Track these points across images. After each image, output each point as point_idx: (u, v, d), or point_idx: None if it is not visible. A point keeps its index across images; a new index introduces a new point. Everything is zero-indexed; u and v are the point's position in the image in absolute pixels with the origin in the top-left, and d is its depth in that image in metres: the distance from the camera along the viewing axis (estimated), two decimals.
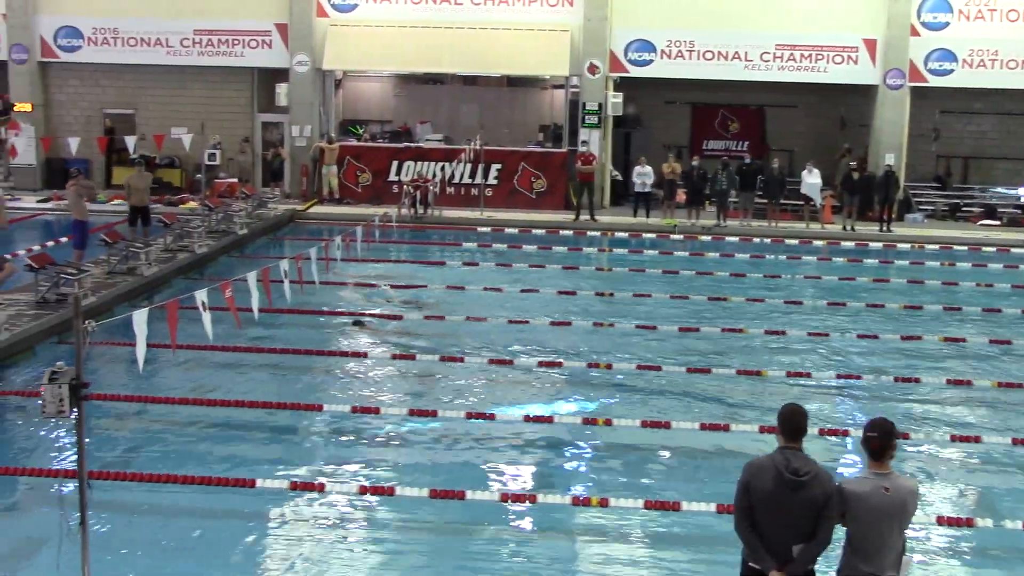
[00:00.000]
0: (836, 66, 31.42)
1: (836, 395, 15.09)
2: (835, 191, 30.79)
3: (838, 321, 19.47)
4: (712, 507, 10.53)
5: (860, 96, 32.68)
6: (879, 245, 28.60)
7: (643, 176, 30.21)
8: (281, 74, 32.40)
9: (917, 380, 15.62)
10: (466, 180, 31.64)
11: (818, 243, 28.26)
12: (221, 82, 33.19)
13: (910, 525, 7.31)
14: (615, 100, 31.64)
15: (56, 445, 12.73)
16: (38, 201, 30.47)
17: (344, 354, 16.54)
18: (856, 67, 31.45)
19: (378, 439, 13.16)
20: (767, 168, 31.46)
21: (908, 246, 28.36)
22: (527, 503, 11.07)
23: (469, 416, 13.55)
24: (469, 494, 10.94)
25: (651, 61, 31.75)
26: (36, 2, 32.71)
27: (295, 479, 11.48)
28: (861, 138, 33.15)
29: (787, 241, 28.06)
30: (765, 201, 30.49)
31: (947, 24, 31.25)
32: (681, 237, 28.25)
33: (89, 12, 32.58)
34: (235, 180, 31.65)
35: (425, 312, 19.25)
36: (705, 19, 31.39)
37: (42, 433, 13.04)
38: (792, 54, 31.28)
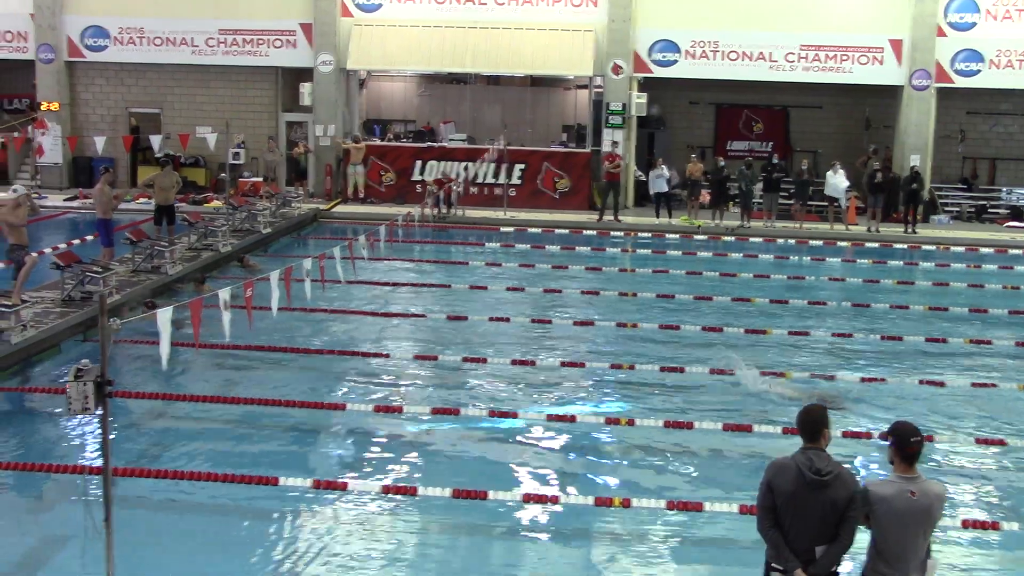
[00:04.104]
0: (861, 67, 31.27)
1: (859, 397, 15.00)
2: (860, 192, 30.65)
3: (862, 323, 19.38)
4: (735, 508, 10.49)
5: (885, 97, 32.53)
6: (904, 247, 28.44)
7: (660, 178, 30.13)
8: (305, 73, 32.49)
9: (942, 383, 15.53)
10: (489, 180, 31.66)
11: (842, 244, 28.16)
12: (246, 81, 33.33)
13: (936, 529, 7.26)
14: (639, 100, 31.61)
15: (81, 442, 12.80)
16: (64, 199, 30.64)
17: (367, 354, 16.55)
18: (881, 68, 31.30)
19: (401, 438, 13.17)
20: (791, 169, 31.32)
21: (933, 248, 28.21)
22: (549, 503, 11.06)
23: (492, 415, 13.55)
24: (491, 494, 10.94)
25: (675, 61, 31.69)
26: (63, 2, 32.89)
27: (318, 477, 11.50)
28: (886, 139, 33.00)
29: (811, 242, 27.96)
30: (789, 202, 30.39)
31: (974, 24, 31.06)
32: (705, 238, 28.17)
33: (115, 12, 32.75)
34: (259, 179, 31.77)
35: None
36: (730, 19, 31.31)
37: (67, 430, 13.12)
38: (817, 54, 31.15)
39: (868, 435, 12.92)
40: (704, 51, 31.54)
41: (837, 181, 29.71)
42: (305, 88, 32.28)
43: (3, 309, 15.40)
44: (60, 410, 13.19)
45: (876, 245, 28.30)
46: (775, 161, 31.75)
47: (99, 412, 7.59)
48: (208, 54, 32.69)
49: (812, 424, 7.06)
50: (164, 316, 9.43)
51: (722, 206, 30.06)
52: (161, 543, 10.03)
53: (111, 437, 8.01)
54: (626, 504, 10.90)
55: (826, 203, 30.27)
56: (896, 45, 31.14)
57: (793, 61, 31.27)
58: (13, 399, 14.72)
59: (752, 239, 28.05)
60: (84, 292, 17.84)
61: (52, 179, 32.99)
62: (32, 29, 33.03)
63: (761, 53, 31.29)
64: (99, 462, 8.48)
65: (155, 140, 27.34)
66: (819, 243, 27.94)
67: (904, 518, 6.84)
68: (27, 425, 13.99)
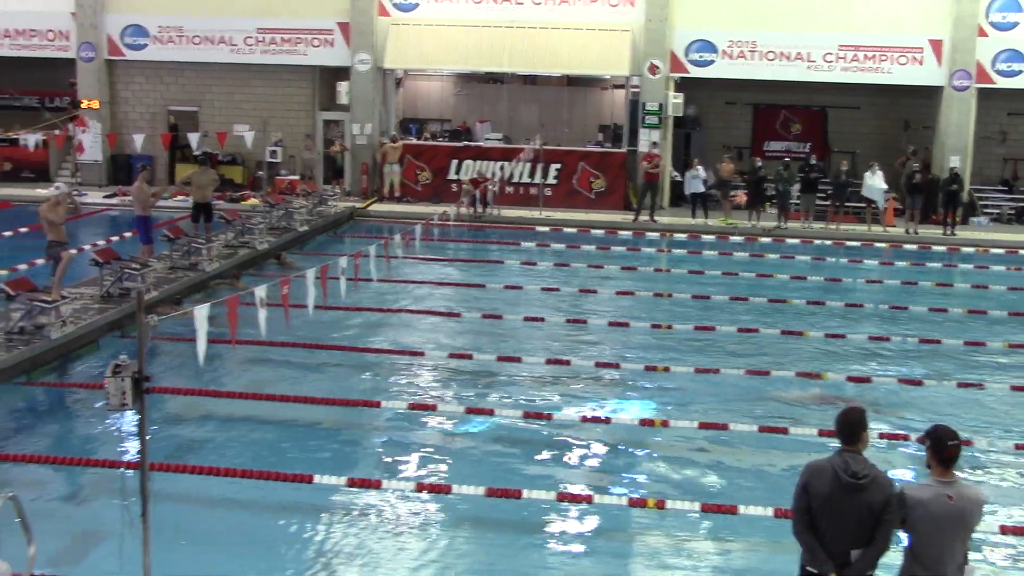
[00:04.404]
0: (901, 67, 31.02)
1: (897, 400, 14.89)
2: (898, 193, 30.42)
3: (900, 325, 19.24)
4: (770, 511, 10.43)
5: (925, 97, 32.24)
6: (942, 249, 28.18)
7: (696, 178, 30.03)
8: (342, 72, 32.60)
9: (980, 386, 15.40)
10: (525, 179, 31.65)
11: (880, 246, 27.96)
12: (283, 80, 33.47)
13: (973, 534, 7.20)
14: (675, 101, 31.50)
15: (119, 437, 12.90)
16: (103, 196, 30.91)
17: (402, 352, 16.59)
18: (921, 68, 31.03)
19: (435, 437, 13.21)
20: (829, 170, 31.12)
21: (972, 250, 27.92)
22: (583, 504, 11.05)
23: (526, 416, 13.55)
24: (525, 493, 10.94)
25: (712, 61, 31.56)
26: (104, 1, 33.15)
27: (352, 475, 11.55)
28: (925, 140, 32.73)
29: (848, 244, 27.78)
30: (827, 203, 30.20)
31: (1016, 24, 30.74)
32: (741, 239, 28.06)
33: (155, 10, 32.99)
34: (296, 177, 31.92)
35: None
36: (767, 19, 31.15)
37: (105, 425, 13.23)
38: (856, 55, 30.93)
39: (905, 438, 12.83)
40: (742, 51, 31.39)
41: (875, 182, 29.49)
42: (342, 87, 32.39)
43: (43, 305, 15.56)
44: (98, 405, 13.29)
45: (914, 247, 28.08)
46: (812, 162, 31.56)
47: (137, 408, 7.64)
48: (246, 53, 32.85)
49: (851, 426, 7.01)
50: (201, 313, 9.49)
51: (759, 207, 29.91)
52: (196, 539, 10.10)
53: (148, 433, 8.06)
54: (660, 506, 10.88)
55: (864, 204, 30.05)
56: (936, 45, 30.87)
57: (831, 61, 31.06)
58: (52, 394, 14.88)
59: (789, 240, 27.90)
60: (122, 288, 18.00)
61: (92, 176, 33.27)
62: (74, 28, 33.32)
63: (799, 53, 31.10)
64: (136, 457, 8.54)
65: (193, 138, 27.54)
66: (857, 244, 27.77)
67: (941, 523, 6.79)
68: (66, 420, 14.15)
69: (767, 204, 30.39)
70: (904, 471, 11.95)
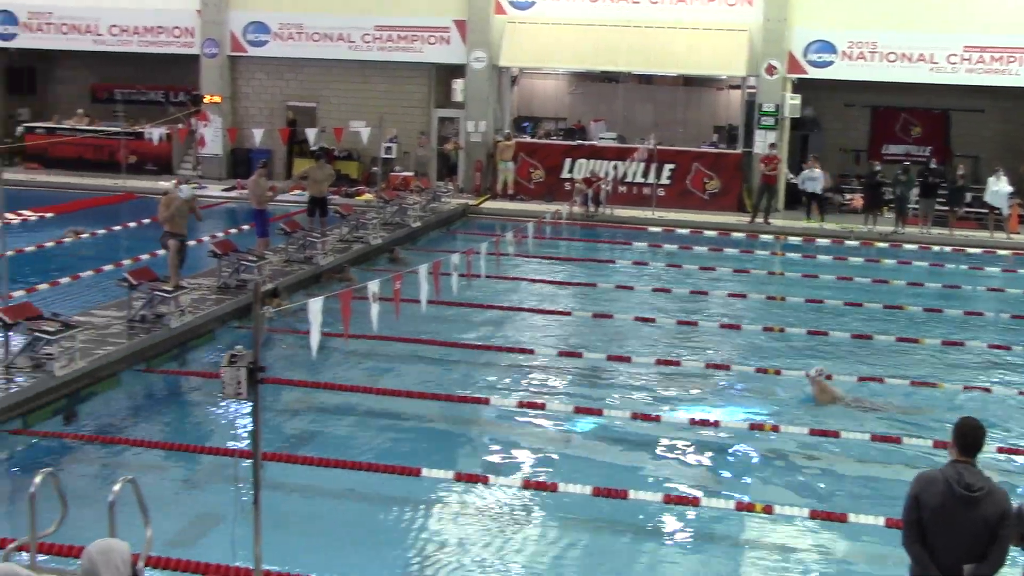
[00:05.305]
0: None
1: (1017, 412, 14.49)
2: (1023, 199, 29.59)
3: (1021, 335, 18.70)
4: (881, 521, 10.23)
5: None
6: None
7: (811, 180, 29.59)
8: (458, 70, 32.81)
9: None
10: (638, 179, 31.50)
11: (1003, 253, 27.19)
12: (400, 77, 33.81)
13: None
14: (792, 102, 31.03)
15: (233, 426, 13.18)
16: (223, 190, 31.57)
17: (512, 349, 16.64)
18: None
19: (543, 435, 13.24)
20: (950, 174, 30.41)
21: None
22: (690, 506, 10.98)
23: (634, 416, 13.51)
24: (632, 494, 10.91)
25: (831, 62, 31.01)
26: None
27: (459, 470, 11.63)
28: None
29: (969, 251, 27.09)
30: (946, 208, 29.49)
31: None
32: (857, 243, 27.57)
33: (276, 8, 33.61)
34: (410, 174, 32.23)
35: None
36: (889, 19, 30.48)
37: (220, 413, 13.53)
38: (981, 56, 30.09)
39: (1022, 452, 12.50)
40: (862, 52, 30.79)
41: (999, 187, 28.70)
42: (458, 84, 32.60)
43: (163, 295, 15.95)
44: (214, 394, 13.59)
45: None
46: (933, 166, 30.83)
47: (251, 397, 7.78)
48: (364, 50, 33.25)
49: (966, 436, 6.79)
50: (315, 306, 9.63)
51: (876, 211, 29.32)
52: (305, 528, 10.28)
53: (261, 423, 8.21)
54: (768, 511, 10.75)
55: (987, 210, 29.27)
56: None
57: (955, 63, 30.27)
58: (171, 381, 15.26)
59: (906, 245, 27.33)
60: (239, 280, 18.38)
61: (212, 170, 34.02)
62: (198, 25, 34.12)
63: (922, 54, 30.38)
64: (249, 446, 8.72)
65: (311, 133, 27.96)
66: (977, 251, 27.04)
67: None
68: (183, 407, 14.51)
69: (884, 208, 29.77)
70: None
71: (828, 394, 14.40)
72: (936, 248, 27.23)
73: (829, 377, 14.73)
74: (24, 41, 35.59)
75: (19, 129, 35.36)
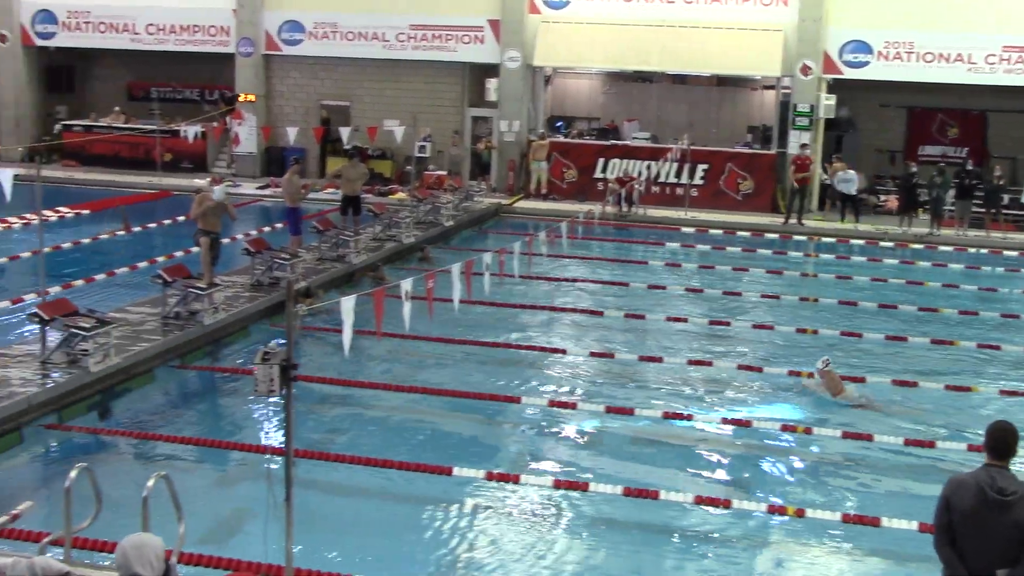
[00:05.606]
0: None
1: None
2: None
3: None
4: (914, 525, 10.16)
5: None
6: None
7: (846, 181, 29.41)
8: (492, 69, 32.83)
9: None
10: (672, 179, 31.41)
11: None
12: (433, 76, 33.88)
13: None
14: (827, 102, 30.85)
15: (265, 423, 13.24)
16: (257, 188, 31.73)
17: (544, 349, 16.64)
18: None
19: (574, 434, 13.23)
20: (987, 175, 30.15)
21: None
22: (721, 508, 10.94)
23: (666, 416, 13.48)
24: (663, 494, 10.89)
25: (867, 63, 30.79)
26: None
27: (491, 469, 11.64)
28: None
29: (1006, 253, 26.84)
30: (983, 210, 29.24)
31: None
32: (891, 244, 27.39)
33: (311, 7, 33.74)
34: (443, 173, 32.27)
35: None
36: (926, 19, 30.21)
37: (252, 410, 13.60)
38: (1021, 56, 29.76)
39: None
40: (898, 52, 30.55)
41: None
42: (491, 84, 32.63)
43: (197, 292, 16.05)
44: (247, 391, 13.66)
45: None
46: (969, 167, 30.57)
47: (283, 395, 7.82)
48: (398, 49, 33.34)
49: (1000, 440, 6.72)
50: (348, 304, 9.65)
51: (911, 212, 29.10)
52: (336, 526, 10.32)
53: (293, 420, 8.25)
54: (800, 514, 10.70)
55: None
56: None
57: (994, 63, 29.98)
58: (204, 378, 15.34)
59: (942, 247, 27.12)
60: (272, 278, 18.46)
61: (246, 168, 34.21)
62: (234, 24, 34.31)
63: (959, 54, 30.10)
64: (281, 443, 8.75)
65: (345, 132, 28.02)
66: (1014, 253, 26.78)
67: None
68: (216, 403, 14.59)
69: (920, 210, 29.55)
70: None
71: (837, 383, 14.37)
72: (972, 250, 27.02)
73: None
74: (63, 40, 35.92)
75: (57, 127, 35.67)
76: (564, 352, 16.56)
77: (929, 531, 7.68)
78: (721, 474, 12.23)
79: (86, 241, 23.29)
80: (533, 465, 12.17)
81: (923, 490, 11.36)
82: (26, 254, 20.68)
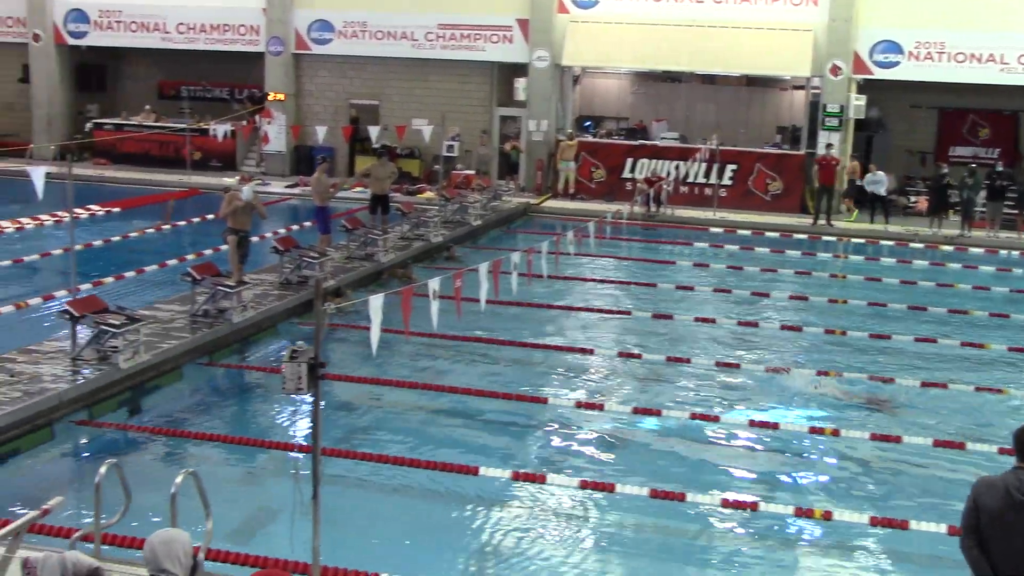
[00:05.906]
0: None
1: None
2: None
3: None
4: (943, 528, 10.09)
5: None
6: None
7: (875, 182, 29.25)
8: (520, 69, 32.83)
9: None
10: (700, 180, 31.33)
11: None
12: (462, 75, 33.91)
13: None
14: (857, 103, 30.67)
15: (293, 421, 13.30)
16: (286, 186, 31.85)
17: (571, 349, 16.63)
18: None
19: (601, 435, 13.21)
20: (1019, 177, 29.89)
21: None
22: (747, 510, 10.90)
23: (693, 417, 13.45)
24: (689, 496, 10.86)
25: (897, 63, 30.60)
26: None
27: (517, 469, 11.64)
28: None
29: None
30: (1015, 212, 29.01)
31: None
32: (921, 246, 27.22)
33: (340, 6, 33.84)
34: (472, 172, 32.30)
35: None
36: (958, 19, 29.97)
37: (280, 408, 13.65)
38: None
39: None
40: (929, 52, 30.34)
41: None
42: (520, 83, 32.64)
43: (226, 290, 16.12)
44: (274, 389, 13.71)
45: None
46: (1000, 169, 30.36)
47: (311, 392, 7.85)
48: (427, 48, 33.40)
49: None
50: (376, 303, 9.67)
51: (942, 214, 28.90)
52: (363, 524, 10.36)
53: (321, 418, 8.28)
54: (827, 517, 10.65)
55: None
56: None
57: None
58: (233, 375, 15.43)
59: (972, 249, 26.94)
60: (301, 276, 18.53)
61: (275, 166, 34.35)
62: (263, 23, 34.46)
63: (991, 55, 29.87)
64: (309, 441, 8.79)
65: (373, 131, 28.12)
66: None
67: None
68: (244, 401, 14.67)
69: (950, 211, 29.34)
70: None
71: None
72: (1003, 252, 26.81)
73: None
74: (94, 39, 36.18)
75: (88, 125, 35.90)
76: (591, 352, 16.55)
77: (958, 534, 7.65)
78: (748, 476, 12.18)
79: (116, 239, 23.44)
80: (560, 465, 12.16)
81: (952, 492, 11.30)
82: (57, 251, 20.85)
